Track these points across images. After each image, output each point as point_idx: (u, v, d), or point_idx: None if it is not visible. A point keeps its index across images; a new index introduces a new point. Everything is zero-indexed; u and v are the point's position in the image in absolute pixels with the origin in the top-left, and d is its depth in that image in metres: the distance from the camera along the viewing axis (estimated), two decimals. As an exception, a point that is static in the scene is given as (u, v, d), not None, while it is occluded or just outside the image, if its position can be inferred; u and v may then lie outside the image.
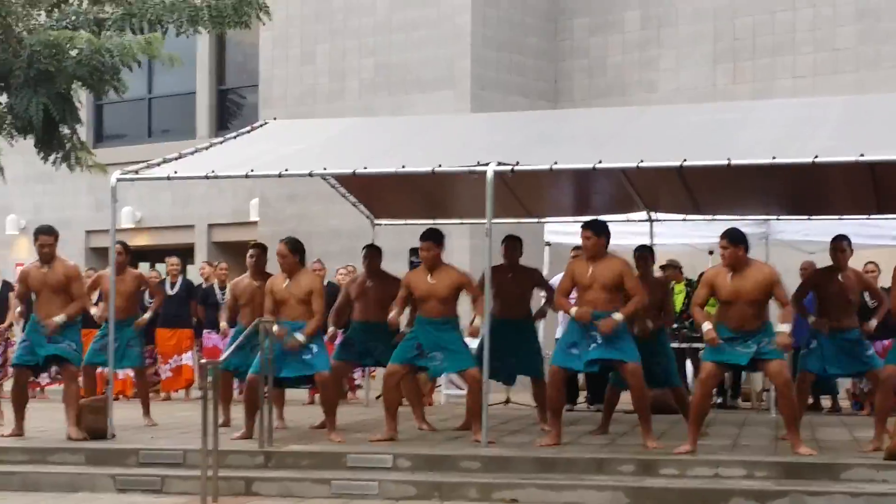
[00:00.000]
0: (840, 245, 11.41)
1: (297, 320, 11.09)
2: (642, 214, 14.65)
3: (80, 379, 11.92)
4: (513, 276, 12.27)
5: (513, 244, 12.46)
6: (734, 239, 10.17)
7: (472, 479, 9.64)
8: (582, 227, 10.90)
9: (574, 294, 11.06)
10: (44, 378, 15.91)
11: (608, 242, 10.92)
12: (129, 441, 11.08)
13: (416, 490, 9.51)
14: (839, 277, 11.34)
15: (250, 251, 12.45)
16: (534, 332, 12.72)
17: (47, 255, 11.57)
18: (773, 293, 10.09)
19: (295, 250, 11.33)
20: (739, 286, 10.07)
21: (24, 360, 11.54)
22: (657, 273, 15.23)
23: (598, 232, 10.79)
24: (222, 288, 16.63)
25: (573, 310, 10.66)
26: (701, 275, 11.42)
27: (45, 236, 11.63)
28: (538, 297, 12.91)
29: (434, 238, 11.33)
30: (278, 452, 10.36)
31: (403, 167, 10.97)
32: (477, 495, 9.38)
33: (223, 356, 10.49)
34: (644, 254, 12.14)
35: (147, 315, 13.36)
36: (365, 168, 11.14)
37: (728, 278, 10.15)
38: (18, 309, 14.87)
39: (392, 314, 11.32)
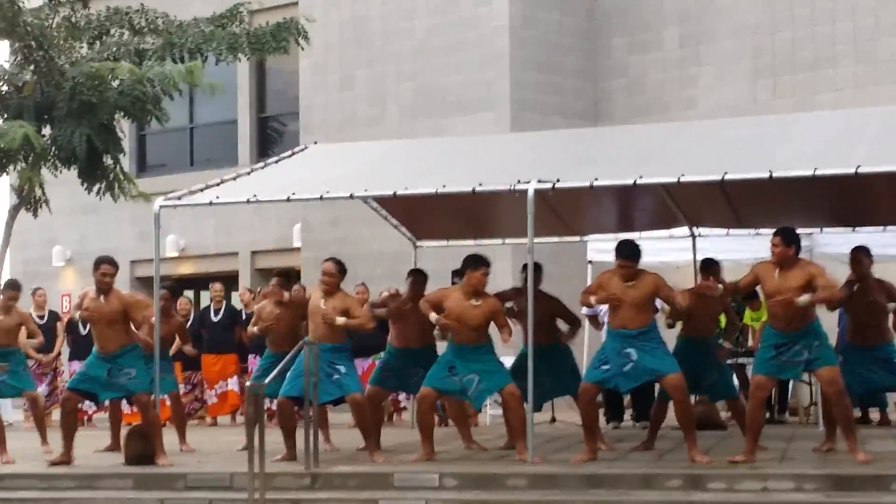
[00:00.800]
0: (857, 256, 11.29)
1: (322, 341, 11.09)
2: (685, 230, 14.60)
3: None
4: (535, 303, 12.07)
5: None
6: (787, 238, 10.24)
7: (519, 496, 9.62)
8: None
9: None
10: (90, 407, 15.99)
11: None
12: (177, 465, 11.12)
13: (463, 509, 9.51)
14: (863, 289, 11.22)
15: (275, 279, 12.41)
16: (567, 353, 12.57)
17: (107, 285, 11.39)
18: (815, 284, 10.05)
19: (342, 271, 11.38)
20: (784, 283, 10.06)
21: (79, 387, 11.54)
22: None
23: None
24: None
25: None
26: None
27: (109, 266, 11.43)
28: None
29: (488, 263, 11.25)
30: (325, 474, 10.38)
31: (444, 187, 11.01)
32: (524, 513, 9.37)
33: (267, 379, 10.50)
34: (712, 266, 11.97)
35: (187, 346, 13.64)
36: (405, 189, 11.18)
37: (775, 274, 10.13)
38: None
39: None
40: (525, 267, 12.19)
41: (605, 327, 11.22)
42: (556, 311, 12.44)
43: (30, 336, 13.70)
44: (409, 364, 12.14)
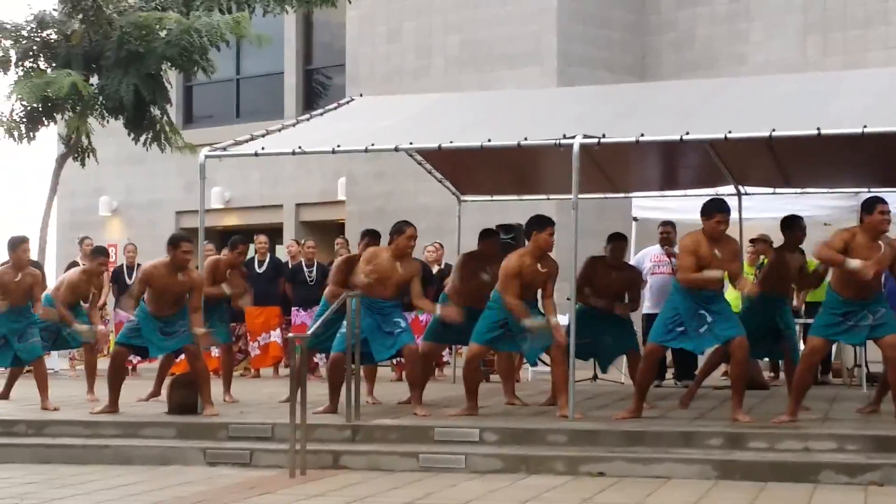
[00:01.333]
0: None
1: (388, 299, 11.13)
2: (730, 188, 14.48)
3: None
4: (616, 274, 12.21)
5: (619, 244, 12.41)
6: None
7: (559, 452, 9.61)
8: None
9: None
10: (135, 357, 16.06)
11: None
12: (219, 416, 11.18)
13: (502, 463, 9.50)
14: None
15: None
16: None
17: (185, 263, 11.37)
18: None
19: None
20: (875, 254, 9.95)
21: (130, 342, 11.60)
22: (747, 247, 15.15)
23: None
24: (309, 266, 16.73)
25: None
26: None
27: (189, 244, 11.37)
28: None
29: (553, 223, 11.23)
30: (366, 426, 10.40)
31: (489, 141, 10.95)
32: (564, 469, 9.35)
33: (310, 331, 10.52)
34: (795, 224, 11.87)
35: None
36: (451, 142, 11.14)
37: (865, 241, 9.99)
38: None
39: None
40: (610, 238, 12.32)
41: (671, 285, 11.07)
42: (632, 285, 12.47)
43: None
44: (466, 319, 12.00)
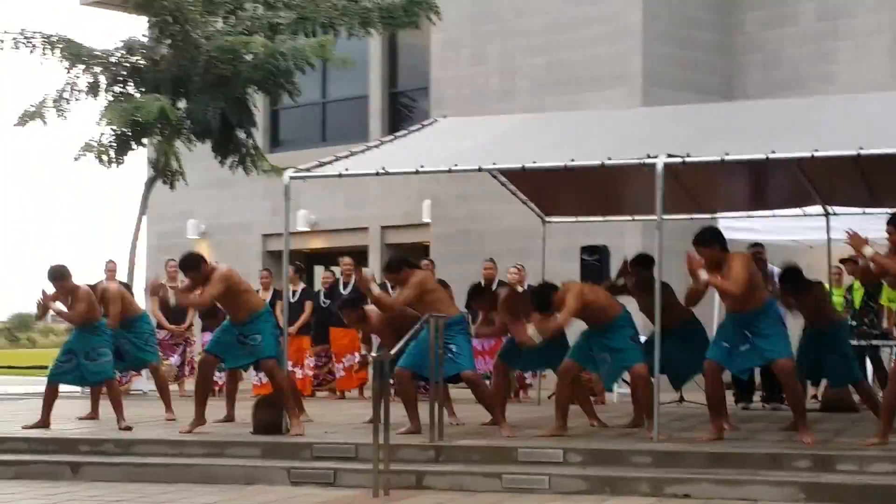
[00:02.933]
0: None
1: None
2: (818, 208, 14.32)
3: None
4: (646, 293, 11.66)
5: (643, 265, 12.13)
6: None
7: (644, 473, 9.51)
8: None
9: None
10: (220, 378, 16.19)
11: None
12: (303, 436, 11.22)
13: (586, 484, 9.43)
14: None
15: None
16: (702, 331, 12.33)
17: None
18: None
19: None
20: None
21: (213, 350, 11.79)
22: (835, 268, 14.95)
23: None
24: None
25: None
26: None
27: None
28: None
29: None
30: (449, 447, 10.39)
31: (572, 161, 10.91)
32: (648, 490, 9.26)
33: (393, 351, 10.54)
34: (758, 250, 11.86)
35: None
36: (534, 162, 11.12)
37: None
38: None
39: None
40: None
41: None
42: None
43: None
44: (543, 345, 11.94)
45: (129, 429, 11.96)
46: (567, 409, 11.26)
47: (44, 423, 12.22)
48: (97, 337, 12.42)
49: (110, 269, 16.76)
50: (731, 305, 10.54)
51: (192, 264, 11.61)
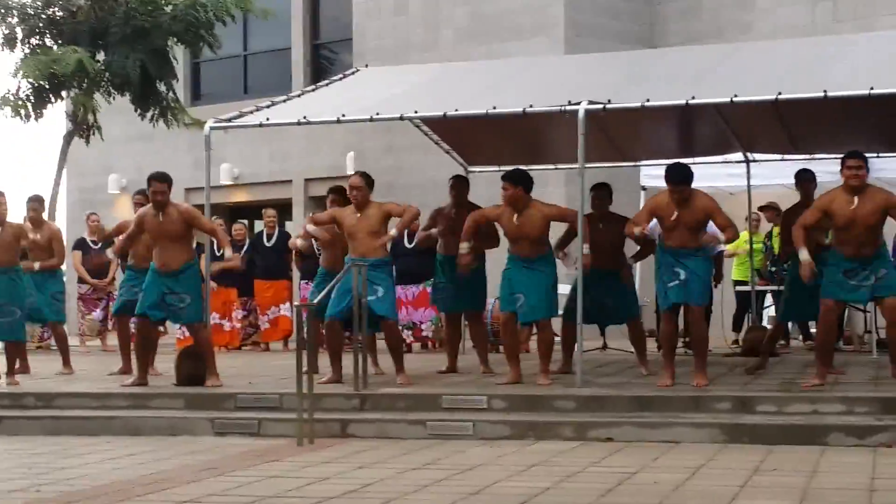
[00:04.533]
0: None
1: (365, 256, 10.96)
2: (739, 155, 14.43)
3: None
4: (603, 226, 11.59)
5: (601, 192, 11.94)
6: (864, 158, 10.11)
7: (568, 418, 9.59)
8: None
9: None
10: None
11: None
12: (227, 387, 11.18)
13: (510, 430, 9.49)
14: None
15: (330, 196, 12.24)
16: (629, 281, 12.33)
17: (161, 203, 11.24)
18: (892, 214, 10.00)
19: (369, 183, 11.17)
20: (857, 211, 9.93)
21: (143, 311, 11.35)
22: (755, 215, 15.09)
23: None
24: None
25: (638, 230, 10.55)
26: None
27: (158, 182, 11.26)
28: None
29: (514, 179, 11.07)
30: (373, 395, 10.40)
31: (494, 108, 10.90)
32: (572, 434, 9.33)
33: (317, 299, 10.51)
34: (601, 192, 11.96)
35: None
36: (456, 110, 11.09)
37: (846, 202, 9.97)
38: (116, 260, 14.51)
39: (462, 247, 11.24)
40: (594, 188, 11.97)
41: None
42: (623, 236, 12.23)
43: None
44: (453, 270, 11.96)
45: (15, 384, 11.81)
46: (517, 355, 11.27)
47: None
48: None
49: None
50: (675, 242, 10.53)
51: (166, 177, 11.37)
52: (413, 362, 12.81)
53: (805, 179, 11.99)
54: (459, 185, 12.52)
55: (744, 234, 15.94)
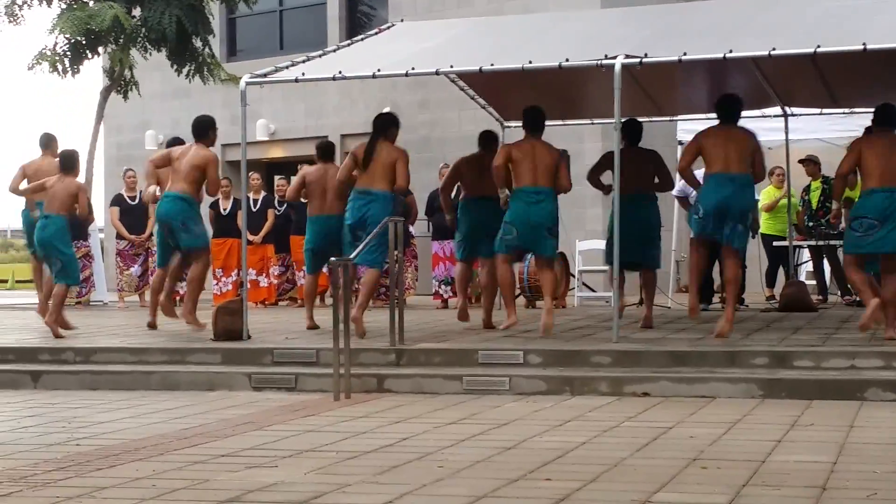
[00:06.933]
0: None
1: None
2: (777, 109, 14.32)
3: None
4: (631, 156, 11.72)
5: (626, 126, 11.90)
6: None
7: (603, 373, 9.58)
8: None
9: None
10: (182, 287, 16.11)
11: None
12: (264, 342, 11.24)
13: (546, 385, 9.49)
14: None
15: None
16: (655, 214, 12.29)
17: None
18: None
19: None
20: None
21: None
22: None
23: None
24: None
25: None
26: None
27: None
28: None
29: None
30: (410, 350, 10.42)
31: (530, 62, 10.85)
32: (608, 389, 9.33)
33: (354, 254, 10.53)
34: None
35: None
36: (492, 65, 11.04)
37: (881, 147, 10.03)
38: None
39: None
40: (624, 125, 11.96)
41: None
42: (657, 163, 12.25)
43: None
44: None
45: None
46: (513, 297, 11.64)
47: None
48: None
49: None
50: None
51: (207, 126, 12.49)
52: (451, 317, 12.85)
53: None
54: (487, 139, 12.48)
55: (770, 189, 15.87)
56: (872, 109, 13.39)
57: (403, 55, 11.89)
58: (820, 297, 15.49)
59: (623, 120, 12.02)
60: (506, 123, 14.96)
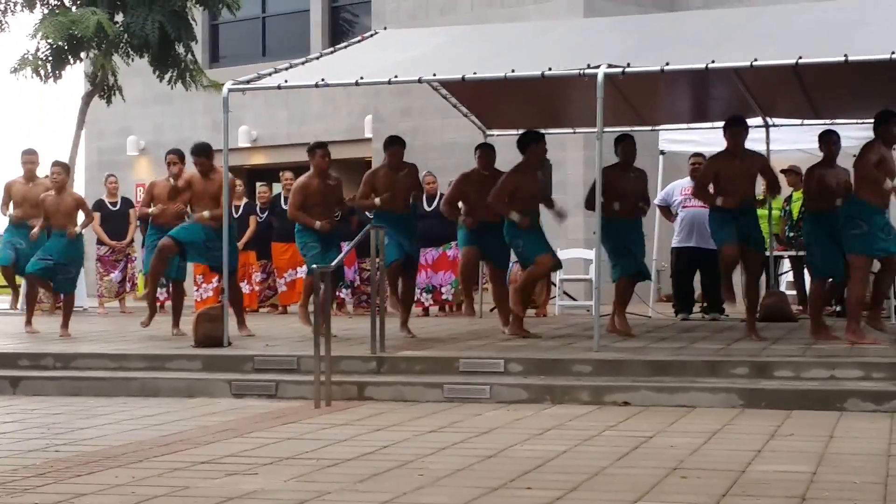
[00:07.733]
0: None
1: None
2: (758, 120, 14.36)
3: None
4: (634, 175, 12.08)
5: (629, 143, 12.14)
6: None
7: (584, 382, 9.59)
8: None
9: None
10: (162, 294, 16.08)
11: None
12: (245, 348, 11.22)
13: (527, 394, 9.49)
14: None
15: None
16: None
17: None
18: None
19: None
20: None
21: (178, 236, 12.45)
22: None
23: None
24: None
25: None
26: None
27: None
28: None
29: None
30: (391, 358, 10.41)
31: (513, 71, 10.87)
32: (589, 398, 9.34)
33: (334, 263, 10.52)
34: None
35: None
36: (474, 73, 11.06)
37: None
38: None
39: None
40: (618, 140, 12.17)
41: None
42: (644, 186, 12.34)
43: None
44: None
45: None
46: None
47: None
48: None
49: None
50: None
51: (205, 151, 12.88)
52: (431, 325, 12.84)
53: (829, 141, 11.75)
54: (487, 153, 12.50)
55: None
56: (854, 121, 13.56)
57: (387, 63, 11.89)
58: (800, 308, 15.50)
59: (620, 133, 12.20)
60: (488, 132, 14.97)
